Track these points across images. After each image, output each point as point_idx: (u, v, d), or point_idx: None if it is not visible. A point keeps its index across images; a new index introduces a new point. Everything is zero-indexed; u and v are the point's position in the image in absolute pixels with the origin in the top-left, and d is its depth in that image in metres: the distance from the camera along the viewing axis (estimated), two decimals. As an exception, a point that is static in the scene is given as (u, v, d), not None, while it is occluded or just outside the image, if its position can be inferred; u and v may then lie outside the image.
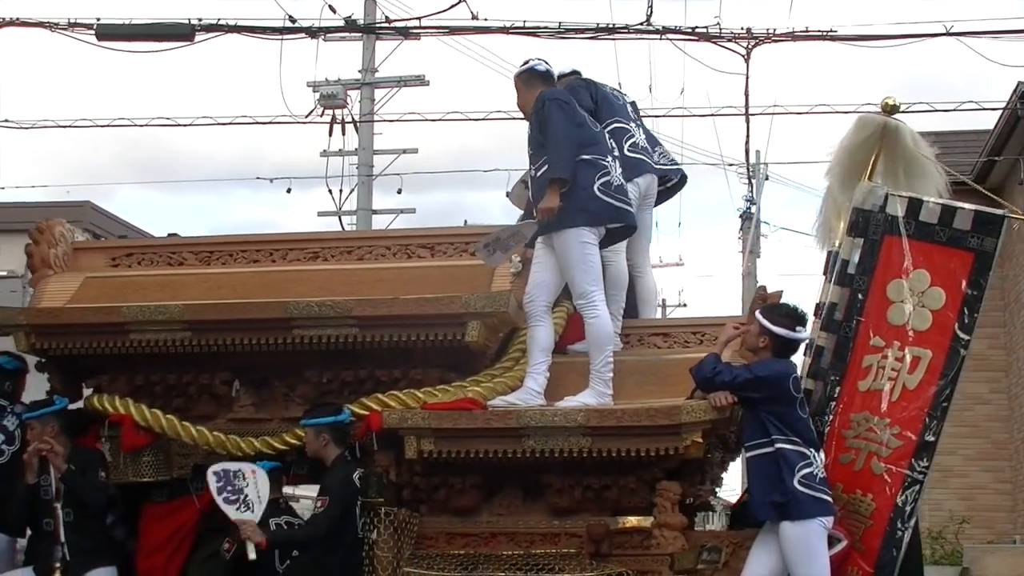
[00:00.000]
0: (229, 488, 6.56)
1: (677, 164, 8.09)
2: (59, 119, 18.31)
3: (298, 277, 7.53)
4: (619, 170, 6.87)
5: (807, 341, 6.63)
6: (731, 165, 24.16)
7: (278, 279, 7.54)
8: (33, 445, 6.87)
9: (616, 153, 7.05)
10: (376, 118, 20.83)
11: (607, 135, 7.23)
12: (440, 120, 17.19)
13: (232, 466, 6.68)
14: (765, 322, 6.43)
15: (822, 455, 6.41)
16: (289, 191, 21.84)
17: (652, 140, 7.74)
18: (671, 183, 7.84)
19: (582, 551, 6.62)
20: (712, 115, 17.51)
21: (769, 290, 6.97)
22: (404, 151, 21.56)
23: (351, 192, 21.21)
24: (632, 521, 6.61)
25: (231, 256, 7.87)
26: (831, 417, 6.77)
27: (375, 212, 21.62)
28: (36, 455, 6.86)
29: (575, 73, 7.76)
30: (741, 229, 27.44)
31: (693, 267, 78.75)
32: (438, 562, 6.74)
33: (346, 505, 6.57)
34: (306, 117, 19.37)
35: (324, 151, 20.81)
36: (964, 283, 6.56)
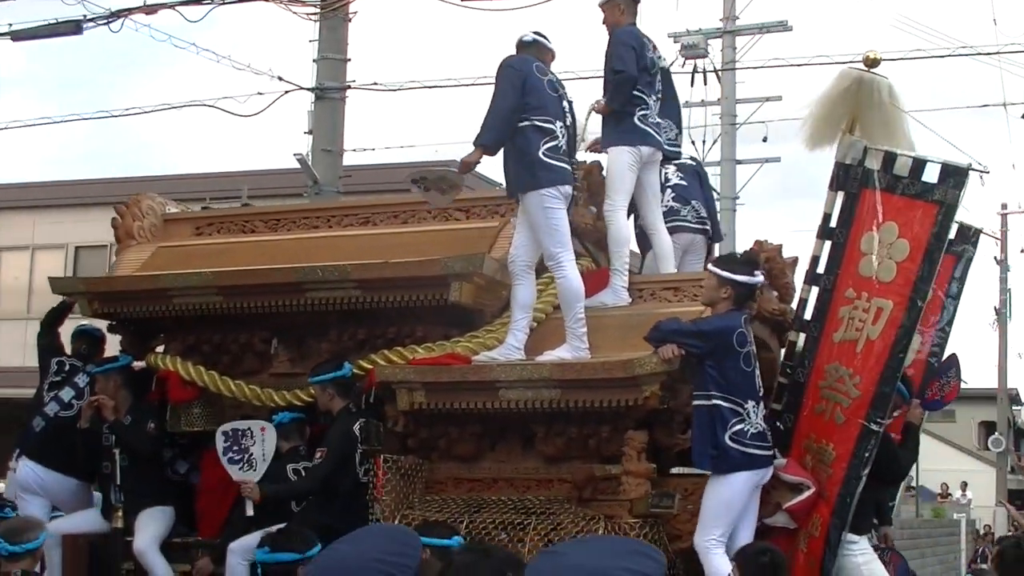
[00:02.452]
0: (235, 448, 7.24)
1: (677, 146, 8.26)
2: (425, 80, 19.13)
3: (348, 242, 8.12)
4: (566, 136, 7.14)
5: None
6: None
7: (328, 243, 8.17)
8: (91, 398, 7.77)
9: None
10: (738, 66, 21.00)
11: None
12: (804, 65, 17.14)
13: (242, 425, 7.35)
14: (724, 273, 6.65)
15: (761, 408, 6.57)
16: None
17: (663, 113, 7.91)
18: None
19: (571, 496, 7.02)
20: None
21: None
22: (767, 99, 21.63)
23: (714, 143, 21.37)
24: (607, 469, 6.94)
25: (294, 223, 8.56)
26: (810, 368, 6.94)
27: (739, 162, 21.73)
28: (90, 407, 7.74)
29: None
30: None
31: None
32: (447, 504, 7.25)
33: (344, 455, 7.16)
34: (668, 67, 19.47)
35: (686, 102, 20.32)
36: (928, 235, 6.59)
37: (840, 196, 6.94)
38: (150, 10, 13.94)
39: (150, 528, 7.64)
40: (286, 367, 7.91)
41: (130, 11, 14.02)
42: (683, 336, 6.53)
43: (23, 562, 5.77)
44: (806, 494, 6.72)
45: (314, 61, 14.26)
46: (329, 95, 14.12)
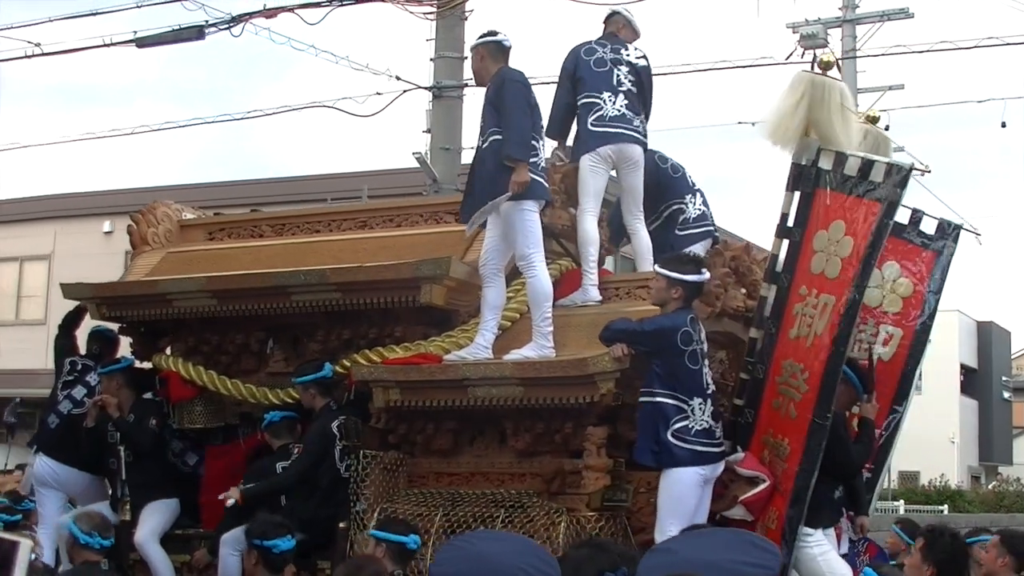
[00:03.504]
0: None
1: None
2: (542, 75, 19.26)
3: (343, 245, 8.46)
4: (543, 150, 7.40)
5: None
6: None
7: (324, 247, 8.51)
8: (91, 403, 8.22)
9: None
10: (858, 55, 20.81)
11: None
12: (927, 52, 17.08)
13: None
14: (674, 274, 6.85)
15: (709, 405, 6.75)
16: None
17: (633, 109, 8.07)
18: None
19: (541, 489, 7.27)
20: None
21: None
22: (890, 88, 21.49)
23: None
24: (576, 463, 7.17)
25: (298, 227, 8.92)
26: (769, 365, 7.10)
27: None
28: (95, 405, 8.19)
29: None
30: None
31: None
32: (428, 498, 7.55)
33: (322, 451, 7.51)
34: (786, 59, 19.26)
35: None
36: (869, 232, 6.72)
37: (796, 196, 7.09)
38: (270, 14, 14.35)
39: (151, 521, 8.06)
40: (281, 366, 8.26)
41: (250, 15, 14.44)
42: (630, 335, 6.75)
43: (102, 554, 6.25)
44: (761, 487, 6.90)
45: (431, 60, 14.46)
46: (447, 94, 14.36)
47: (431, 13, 14.33)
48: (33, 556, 5.52)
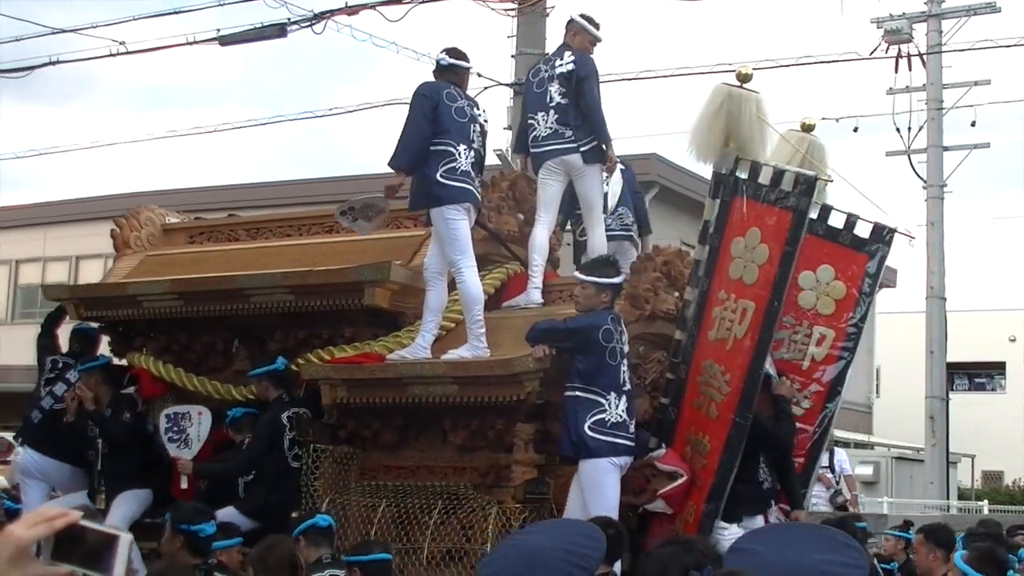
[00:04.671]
0: (175, 428, 8.11)
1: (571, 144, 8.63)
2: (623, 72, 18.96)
3: (309, 249, 8.89)
4: (470, 156, 7.73)
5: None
6: None
7: (290, 251, 8.95)
8: (69, 394, 8.72)
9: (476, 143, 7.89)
10: (944, 50, 20.66)
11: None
12: (1014, 47, 16.99)
13: (182, 408, 8.22)
14: (603, 279, 7.21)
15: (624, 401, 7.11)
16: (856, 130, 21.74)
17: (564, 121, 8.28)
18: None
19: (478, 483, 7.68)
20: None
21: None
22: (976, 83, 21.29)
23: (919, 130, 21.06)
24: (509, 458, 7.57)
25: (271, 232, 9.37)
26: (690, 365, 7.45)
27: (946, 149, 21.49)
28: (73, 399, 8.69)
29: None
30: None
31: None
32: (378, 490, 7.98)
33: (271, 440, 7.95)
34: (870, 54, 19.31)
35: (890, 88, 20.72)
36: (783, 240, 7.04)
37: (717, 204, 7.44)
38: (352, 11, 14.61)
39: (121, 509, 8.52)
40: (246, 365, 8.67)
41: (332, 12, 14.68)
42: (554, 334, 7.12)
43: None
44: (679, 482, 7.25)
45: (512, 57, 14.53)
46: None
47: (512, 9, 14.45)
48: None
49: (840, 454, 13.72)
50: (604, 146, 8.30)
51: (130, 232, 9.61)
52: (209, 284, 8.43)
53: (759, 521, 7.72)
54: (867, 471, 23.77)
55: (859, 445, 25.84)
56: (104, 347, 9.43)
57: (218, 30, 15.32)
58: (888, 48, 20.08)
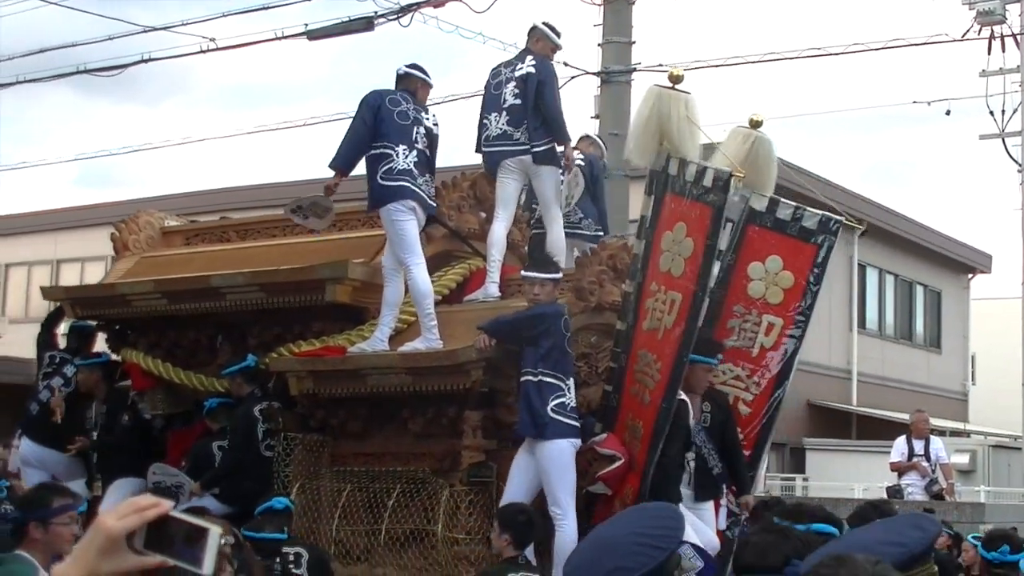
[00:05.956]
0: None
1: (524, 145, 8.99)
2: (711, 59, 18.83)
3: (285, 249, 9.38)
4: (411, 156, 8.17)
5: None
6: None
7: (269, 251, 9.45)
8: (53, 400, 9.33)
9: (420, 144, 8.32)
10: None
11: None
12: None
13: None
14: (553, 275, 7.65)
15: (574, 387, 7.52)
16: (948, 113, 21.95)
17: (516, 122, 8.70)
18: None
19: (435, 468, 8.14)
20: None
21: None
22: None
23: (1014, 112, 20.73)
24: (460, 444, 8.01)
25: (259, 233, 9.90)
26: (628, 354, 7.83)
27: None
28: (57, 405, 9.29)
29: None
30: None
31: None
32: (349, 476, 8.47)
33: (248, 434, 8.46)
34: (962, 36, 18.76)
35: (983, 70, 20.49)
36: (705, 234, 7.39)
37: (651, 200, 7.81)
38: (437, 3, 14.75)
39: (114, 497, 9.08)
40: (229, 359, 9.23)
41: (418, 5, 14.79)
42: (521, 322, 7.53)
43: None
44: (616, 464, 7.63)
45: (599, 45, 14.53)
46: (615, 79, 14.32)
47: (599, -2, 14.32)
48: None
49: (936, 442, 13.91)
50: (563, 147, 8.73)
51: (129, 235, 10.17)
52: (188, 284, 8.95)
53: (709, 506, 8.11)
54: (963, 460, 23.64)
55: (955, 433, 25.69)
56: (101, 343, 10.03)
57: (306, 25, 15.40)
58: (980, 29, 19.63)
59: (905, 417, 16.11)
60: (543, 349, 7.46)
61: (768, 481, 17.62)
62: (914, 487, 13.52)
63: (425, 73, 8.57)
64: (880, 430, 21.84)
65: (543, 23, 9.14)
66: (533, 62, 8.79)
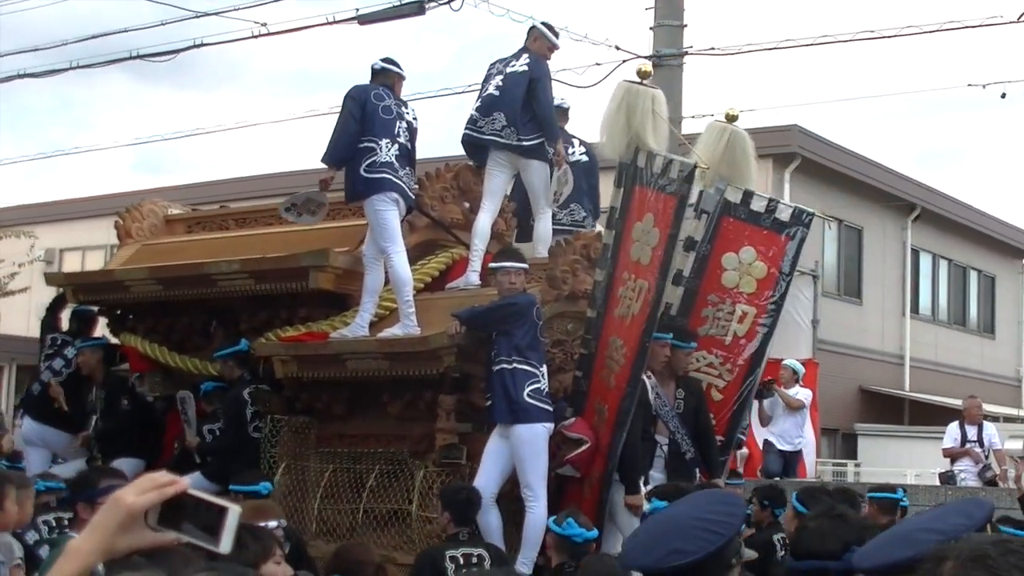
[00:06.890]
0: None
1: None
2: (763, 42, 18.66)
3: (277, 237, 9.63)
4: (393, 149, 8.43)
5: None
6: None
7: (273, 238, 9.71)
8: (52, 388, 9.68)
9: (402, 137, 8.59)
10: None
11: None
12: None
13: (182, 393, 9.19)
14: (520, 264, 7.90)
15: (546, 373, 7.79)
16: (1003, 96, 21.87)
17: (487, 111, 8.95)
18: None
19: (413, 450, 8.42)
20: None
21: None
22: None
23: None
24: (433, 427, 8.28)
25: (256, 221, 10.20)
26: (599, 341, 8.08)
27: None
28: (58, 393, 9.64)
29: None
30: None
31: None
32: (334, 456, 8.76)
33: (239, 416, 8.78)
34: (1018, 18, 19.21)
35: None
36: (669, 224, 7.64)
37: (621, 192, 8.06)
38: None
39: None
40: (222, 344, 9.55)
41: None
42: (497, 311, 7.76)
43: None
44: (583, 448, 7.89)
45: (651, 28, 14.46)
46: (667, 62, 14.15)
47: (650, -20, 14.36)
48: None
49: (989, 428, 13.91)
50: (552, 144, 9.00)
51: (132, 223, 10.50)
52: (181, 271, 9.27)
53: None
54: (1017, 445, 23.60)
55: (1008, 419, 25.70)
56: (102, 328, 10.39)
57: (357, 10, 15.17)
58: (1031, 15, 19.78)
59: (958, 403, 16.00)
60: (516, 338, 7.71)
61: (820, 467, 17.63)
62: (967, 473, 13.50)
63: (400, 67, 8.86)
64: (933, 416, 21.76)
65: (542, 23, 9.40)
66: (528, 60, 9.06)
